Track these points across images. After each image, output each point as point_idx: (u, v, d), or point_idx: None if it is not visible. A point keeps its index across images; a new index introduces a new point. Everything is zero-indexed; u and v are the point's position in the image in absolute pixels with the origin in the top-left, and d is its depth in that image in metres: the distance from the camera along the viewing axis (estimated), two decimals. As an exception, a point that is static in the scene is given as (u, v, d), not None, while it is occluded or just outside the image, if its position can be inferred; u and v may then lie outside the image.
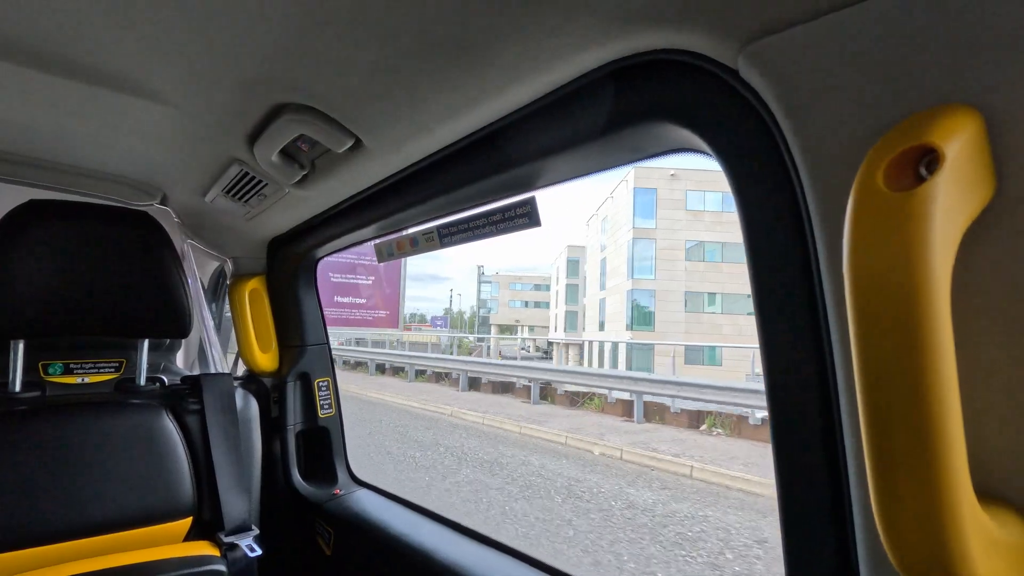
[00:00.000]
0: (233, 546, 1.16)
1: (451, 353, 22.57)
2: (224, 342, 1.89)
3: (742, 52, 0.48)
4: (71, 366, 1.22)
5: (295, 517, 1.51)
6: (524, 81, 0.66)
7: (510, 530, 4.90)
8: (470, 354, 26.43)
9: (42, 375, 1.19)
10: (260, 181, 1.09)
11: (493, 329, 53.07)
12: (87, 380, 1.23)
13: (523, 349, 43.97)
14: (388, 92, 0.73)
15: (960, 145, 0.33)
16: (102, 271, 1.11)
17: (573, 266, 44.08)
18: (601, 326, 30.98)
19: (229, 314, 1.64)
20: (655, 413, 10.28)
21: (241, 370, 1.65)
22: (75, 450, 1.07)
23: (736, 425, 8.97)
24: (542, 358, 40.74)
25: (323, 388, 1.60)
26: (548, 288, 53.40)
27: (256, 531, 1.22)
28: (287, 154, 0.96)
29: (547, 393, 12.87)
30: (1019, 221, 0.35)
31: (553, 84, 0.66)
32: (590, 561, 4.32)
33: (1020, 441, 0.36)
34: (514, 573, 1.05)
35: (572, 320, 43.33)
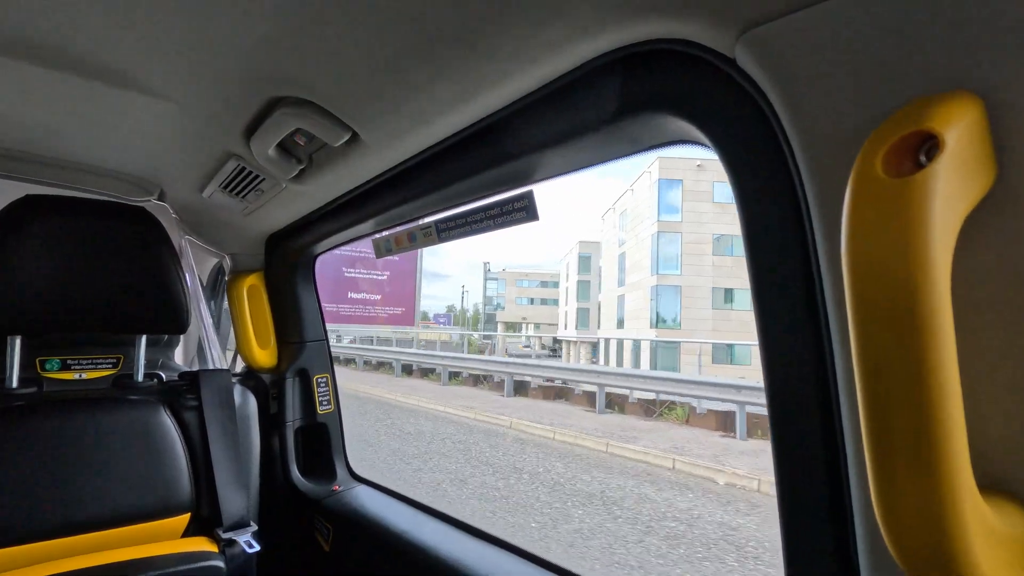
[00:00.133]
0: (231, 542, 1.16)
1: (463, 351, 21.78)
2: (223, 339, 1.90)
3: (739, 40, 0.47)
4: (68, 362, 1.22)
5: (294, 513, 1.51)
6: (520, 72, 0.65)
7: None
8: (480, 352, 26.16)
9: (39, 371, 1.19)
10: (257, 176, 1.09)
11: (500, 327, 53.04)
12: (84, 376, 1.23)
13: (526, 347, 43.89)
14: (384, 85, 0.72)
15: (960, 131, 0.32)
16: (99, 267, 1.11)
17: (585, 262, 43.47)
18: (620, 323, 30.00)
19: (228, 310, 1.64)
20: (755, 426, 8.37)
21: (240, 366, 1.65)
22: (73, 446, 1.07)
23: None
24: (549, 356, 40.71)
25: (322, 384, 1.59)
26: (555, 285, 53.21)
27: (254, 527, 1.22)
28: (284, 148, 0.95)
29: (613, 401, 11.15)
30: (1020, 208, 0.35)
31: (550, 75, 0.66)
32: None
33: (1023, 431, 0.35)
34: (512, 569, 1.05)
35: (584, 317, 42.69)
